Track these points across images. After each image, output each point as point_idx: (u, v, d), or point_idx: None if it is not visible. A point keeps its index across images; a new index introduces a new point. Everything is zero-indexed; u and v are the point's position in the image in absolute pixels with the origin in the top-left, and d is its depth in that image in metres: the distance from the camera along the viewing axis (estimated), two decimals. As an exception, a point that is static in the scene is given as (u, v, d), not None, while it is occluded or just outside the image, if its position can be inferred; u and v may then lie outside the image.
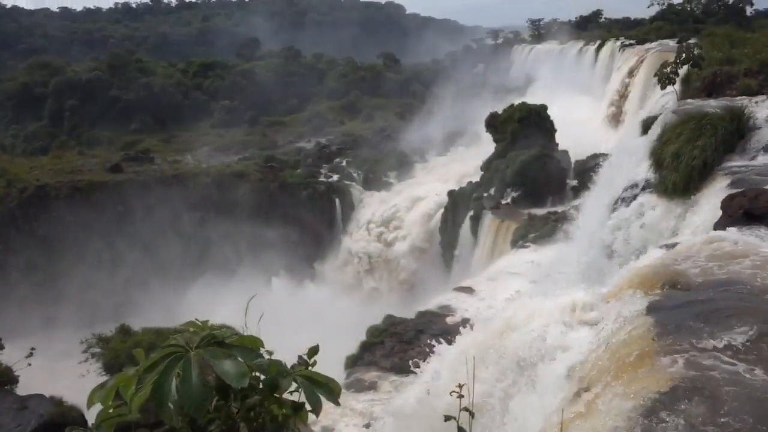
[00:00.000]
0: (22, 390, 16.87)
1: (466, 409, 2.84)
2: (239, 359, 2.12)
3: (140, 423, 2.18)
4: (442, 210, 40.20)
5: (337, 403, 2.29)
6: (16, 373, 16.85)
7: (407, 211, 44.85)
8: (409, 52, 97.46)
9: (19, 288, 42.24)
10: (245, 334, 2.36)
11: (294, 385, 2.26)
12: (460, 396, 2.89)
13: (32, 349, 17.10)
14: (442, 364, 8.35)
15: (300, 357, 2.37)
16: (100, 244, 43.94)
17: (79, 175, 47.49)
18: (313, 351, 2.40)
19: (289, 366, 2.33)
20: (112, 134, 61.27)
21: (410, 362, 10.36)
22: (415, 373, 15.64)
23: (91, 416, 2.52)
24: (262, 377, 2.25)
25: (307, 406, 2.27)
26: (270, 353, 2.30)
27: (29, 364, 16.57)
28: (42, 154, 57.01)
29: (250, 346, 2.25)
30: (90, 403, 2.22)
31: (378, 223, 45.69)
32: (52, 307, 40.99)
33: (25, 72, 69.42)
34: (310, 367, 2.34)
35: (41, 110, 64.44)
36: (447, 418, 2.77)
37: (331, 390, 2.30)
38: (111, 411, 2.20)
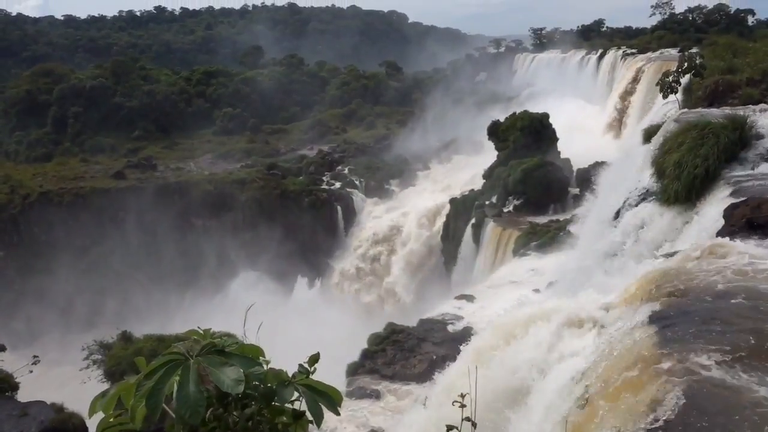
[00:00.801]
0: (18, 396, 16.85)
1: (468, 419, 2.83)
2: (236, 367, 2.11)
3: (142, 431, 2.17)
4: (438, 238, 37.83)
5: (338, 413, 2.28)
6: (17, 380, 16.82)
7: (390, 252, 38.87)
8: (411, 61, 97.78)
9: (18, 292, 42.31)
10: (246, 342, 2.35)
11: (295, 394, 2.25)
12: (462, 405, 2.88)
13: (35, 356, 17.09)
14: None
15: (300, 366, 2.35)
16: (101, 250, 44.00)
17: (82, 181, 47.65)
18: (314, 359, 2.38)
19: (290, 375, 2.32)
20: (115, 141, 61.54)
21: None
22: (416, 382, 15.55)
23: (91, 424, 2.52)
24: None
25: (309, 416, 2.25)
26: (267, 362, 2.29)
27: (31, 371, 16.56)
28: (45, 161, 57.30)
29: (250, 355, 2.25)
30: (92, 412, 2.22)
31: (352, 275, 40.18)
32: (47, 311, 41.04)
33: (28, 79, 69.72)
34: (310, 376, 2.33)
35: (45, 117, 64.72)
36: (449, 428, 2.75)
37: (332, 399, 2.29)
38: (112, 420, 2.19)
